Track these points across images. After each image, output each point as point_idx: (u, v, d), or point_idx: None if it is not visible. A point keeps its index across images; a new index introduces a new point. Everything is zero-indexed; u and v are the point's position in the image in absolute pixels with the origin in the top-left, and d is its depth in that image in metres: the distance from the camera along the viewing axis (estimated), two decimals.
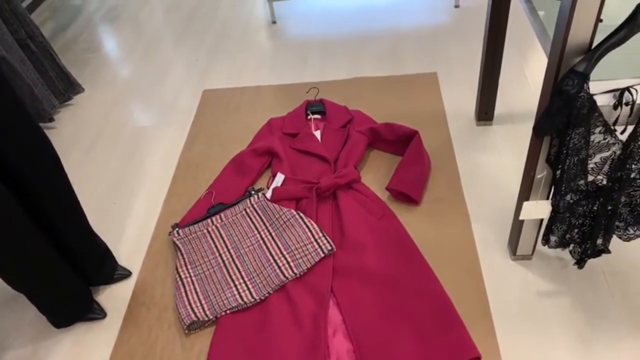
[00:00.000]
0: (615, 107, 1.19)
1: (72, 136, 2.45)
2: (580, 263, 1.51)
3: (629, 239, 1.44)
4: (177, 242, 1.80)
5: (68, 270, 1.55)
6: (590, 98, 1.15)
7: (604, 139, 1.23)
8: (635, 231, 1.43)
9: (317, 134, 2.13)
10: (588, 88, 1.14)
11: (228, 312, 1.60)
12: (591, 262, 1.59)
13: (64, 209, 1.51)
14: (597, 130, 1.22)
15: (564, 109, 1.18)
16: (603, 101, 1.18)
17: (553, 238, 1.49)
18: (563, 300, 1.53)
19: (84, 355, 1.59)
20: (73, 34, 3.27)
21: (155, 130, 2.41)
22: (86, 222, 1.62)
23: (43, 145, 1.41)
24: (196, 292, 1.66)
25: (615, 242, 1.47)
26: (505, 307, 1.54)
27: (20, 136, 1.33)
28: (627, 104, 1.18)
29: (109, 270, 1.75)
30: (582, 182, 1.33)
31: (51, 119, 2.49)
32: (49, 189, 1.44)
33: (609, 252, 1.47)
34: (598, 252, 1.48)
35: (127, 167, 2.24)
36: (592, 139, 1.24)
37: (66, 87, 2.63)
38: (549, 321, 1.49)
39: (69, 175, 1.52)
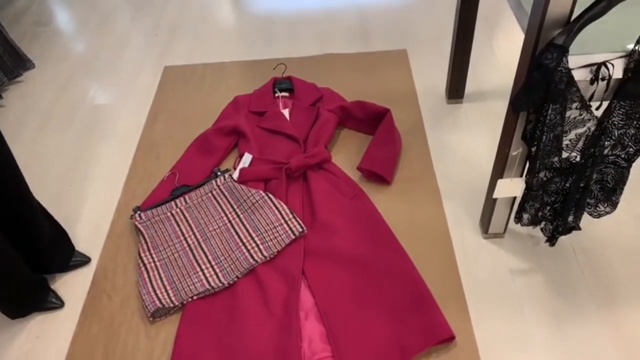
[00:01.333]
0: (592, 82, 1.17)
1: (22, 115, 2.29)
2: (551, 240, 1.51)
3: (599, 216, 1.45)
4: (139, 226, 1.71)
5: (19, 259, 1.45)
6: (569, 72, 1.13)
7: (580, 115, 1.22)
8: (605, 208, 1.44)
9: (286, 112, 2.06)
10: (567, 62, 1.11)
11: (195, 297, 1.53)
12: (562, 240, 1.60)
13: (9, 191, 1.40)
14: (574, 106, 1.20)
15: (542, 84, 1.16)
16: (580, 76, 1.16)
17: (525, 216, 1.49)
18: (535, 277, 1.54)
19: (41, 348, 1.50)
20: (22, 6, 3.05)
21: (113, 109, 2.29)
22: (34, 201, 1.51)
23: None
24: (160, 278, 1.58)
25: (584, 219, 1.48)
26: (478, 285, 1.53)
27: None
28: (603, 79, 1.17)
29: (65, 255, 1.65)
30: (556, 159, 1.31)
31: None
32: None
33: (579, 229, 1.48)
34: (569, 229, 1.49)
35: (83, 147, 2.12)
36: (568, 115, 1.22)
37: (15, 63, 2.45)
38: (521, 298, 1.49)
39: (18, 155, 1.41)
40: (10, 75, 2.43)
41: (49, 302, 1.57)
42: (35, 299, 1.55)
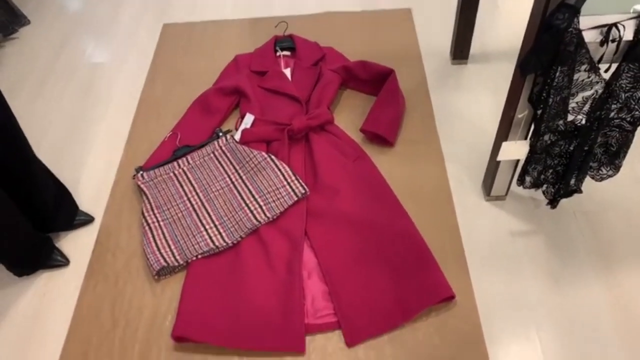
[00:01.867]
0: (602, 43, 1.15)
1: (20, 73, 2.25)
2: (552, 203, 1.53)
3: (601, 179, 1.45)
4: (142, 186, 1.72)
5: (23, 218, 1.46)
6: (579, 34, 1.11)
7: (588, 77, 1.20)
8: (607, 171, 1.44)
9: (287, 72, 2.03)
10: (577, 23, 1.09)
11: (199, 256, 1.55)
12: (563, 202, 1.61)
13: (12, 148, 1.40)
14: (582, 68, 1.18)
15: (552, 45, 1.14)
16: (590, 38, 1.14)
17: (528, 179, 1.49)
18: (535, 239, 1.56)
19: (48, 305, 1.53)
20: None
21: (112, 68, 2.25)
22: (37, 160, 1.51)
23: None
24: (165, 237, 1.60)
25: (586, 182, 1.49)
26: (479, 247, 1.55)
27: None
28: (613, 40, 1.15)
29: (69, 214, 1.66)
30: (561, 122, 1.31)
31: None
32: None
33: (580, 192, 1.49)
34: (570, 192, 1.50)
35: (82, 106, 2.09)
36: (576, 78, 1.21)
37: (9, 19, 2.39)
38: (521, 260, 1.52)
39: (17, 114, 1.39)
40: (5, 32, 2.37)
41: (54, 260, 1.59)
42: (40, 257, 1.57)
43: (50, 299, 1.54)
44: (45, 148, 1.94)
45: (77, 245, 1.65)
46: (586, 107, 1.28)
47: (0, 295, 1.55)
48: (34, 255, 1.56)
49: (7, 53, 2.35)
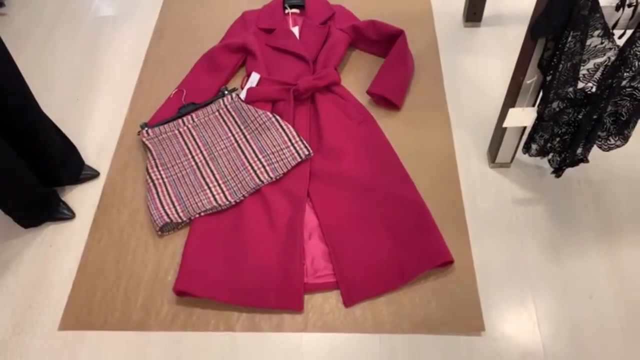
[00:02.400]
0: (617, 8, 1.11)
1: (25, 25, 2.23)
2: (558, 172, 1.51)
3: (609, 149, 1.43)
4: (147, 143, 1.72)
5: (30, 172, 1.47)
6: None
7: (601, 43, 1.17)
8: (616, 141, 1.42)
9: (295, 30, 1.99)
10: None
11: (202, 214, 1.56)
12: (568, 172, 1.60)
13: (18, 103, 1.40)
14: (596, 33, 1.15)
15: (564, 9, 1.10)
16: (605, 1, 1.10)
17: (534, 146, 1.47)
18: (537, 207, 1.55)
19: (54, 256, 1.56)
20: None
21: (118, 21, 2.22)
22: (43, 114, 1.51)
23: None
24: (169, 194, 1.61)
25: (593, 152, 1.46)
26: (480, 213, 1.55)
27: None
28: (630, 5, 1.11)
29: (75, 168, 1.67)
30: (571, 89, 1.28)
31: (1, 4, 2.26)
32: (0, 82, 1.32)
33: (587, 161, 1.47)
34: (577, 161, 1.48)
35: (88, 60, 2.08)
36: (588, 43, 1.17)
37: None
38: (522, 228, 1.52)
39: (22, 67, 1.39)
40: None
41: (60, 213, 1.62)
42: (46, 210, 1.59)
43: (56, 251, 1.57)
44: (52, 102, 1.94)
45: (83, 199, 1.68)
46: (597, 75, 1.24)
47: (8, 246, 1.59)
48: (40, 208, 1.58)
49: (13, 4, 2.33)
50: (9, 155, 1.38)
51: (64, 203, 1.64)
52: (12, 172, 1.42)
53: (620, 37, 1.16)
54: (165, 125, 1.75)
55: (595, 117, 1.33)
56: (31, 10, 2.29)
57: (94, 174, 1.72)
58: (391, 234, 1.49)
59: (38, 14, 2.27)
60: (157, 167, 1.67)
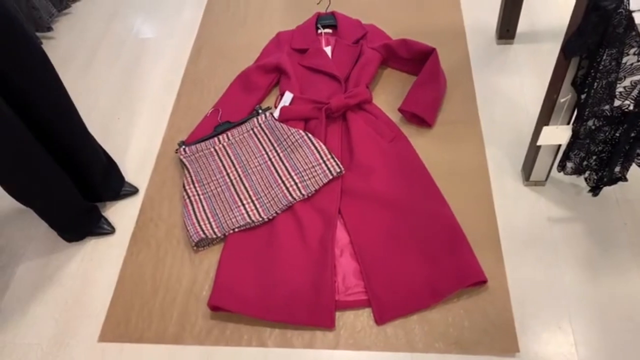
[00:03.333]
0: None
1: (71, 47, 2.35)
2: (595, 190, 1.48)
3: None
4: (184, 160, 1.78)
5: (75, 188, 1.54)
6: (629, 15, 1.06)
7: (638, 61, 1.15)
8: None
9: (328, 50, 2.03)
10: (628, 3, 1.04)
11: (236, 230, 1.60)
12: (605, 190, 1.56)
13: (65, 122, 1.47)
14: (632, 51, 1.13)
15: (599, 27, 1.09)
16: None
17: (570, 164, 1.45)
18: (574, 226, 1.52)
19: (95, 268, 1.62)
20: None
21: (158, 43, 2.31)
22: (88, 133, 1.59)
23: (39, 58, 1.33)
24: (204, 210, 1.65)
25: (632, 170, 1.43)
26: (515, 232, 1.53)
27: (15, 50, 1.25)
28: None
29: (116, 184, 1.74)
30: (607, 107, 1.26)
31: (49, 29, 2.38)
32: (48, 101, 1.39)
33: (625, 180, 1.44)
34: (615, 179, 1.45)
35: (129, 80, 2.17)
36: (624, 61, 1.15)
37: None
38: (558, 247, 1.49)
39: (67, 87, 1.46)
40: (59, 7, 2.47)
41: (101, 228, 1.68)
42: (88, 225, 1.66)
43: (97, 264, 1.63)
44: (94, 121, 2.03)
45: (123, 214, 1.74)
46: (635, 92, 1.22)
47: (52, 258, 1.66)
48: (83, 223, 1.65)
49: (61, 27, 2.45)
50: (55, 171, 1.45)
51: (105, 218, 1.71)
52: (58, 187, 1.49)
53: None
54: (202, 143, 1.81)
55: (633, 135, 1.30)
56: (76, 34, 2.41)
57: (134, 191, 1.78)
58: (423, 252, 1.48)
59: (83, 37, 2.39)
60: (193, 183, 1.72)
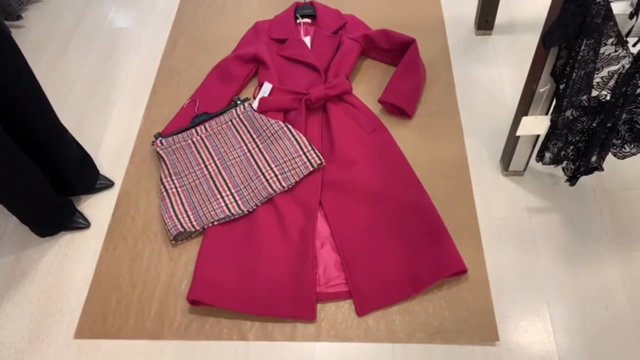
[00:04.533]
0: (631, 16, 1.11)
1: (42, 37, 2.28)
2: (572, 180, 1.50)
3: (624, 157, 1.42)
4: (161, 152, 1.74)
5: (47, 182, 1.50)
6: (607, 5, 1.07)
7: (615, 51, 1.16)
8: (631, 149, 1.40)
9: (307, 40, 2.00)
10: None
11: (215, 223, 1.57)
12: (582, 180, 1.59)
13: (37, 115, 1.42)
14: (609, 41, 1.14)
15: (577, 17, 1.10)
16: (618, 9, 1.10)
17: (548, 155, 1.47)
18: (551, 216, 1.54)
19: (69, 265, 1.58)
20: None
21: (133, 33, 2.25)
22: (61, 125, 1.54)
23: (9, 48, 1.28)
24: (182, 203, 1.62)
25: (608, 160, 1.45)
26: (494, 222, 1.54)
27: None
28: None
29: (90, 178, 1.70)
30: (585, 97, 1.27)
31: (19, 17, 2.30)
32: (19, 93, 1.34)
33: (602, 169, 1.46)
34: (591, 169, 1.47)
35: (103, 71, 2.11)
36: (602, 51, 1.17)
37: None
38: (536, 236, 1.51)
39: (39, 78, 1.41)
40: None
41: (75, 222, 1.64)
42: (62, 219, 1.62)
43: (72, 259, 1.59)
44: (67, 112, 1.97)
45: (98, 208, 1.70)
46: (611, 83, 1.24)
47: (25, 254, 1.61)
48: (57, 217, 1.60)
49: (31, 16, 2.37)
50: (26, 165, 1.40)
51: (80, 212, 1.66)
52: (29, 182, 1.44)
53: (634, 45, 1.15)
54: (179, 135, 1.77)
55: (609, 125, 1.32)
56: (48, 23, 2.33)
57: (109, 184, 1.74)
58: (403, 243, 1.49)
59: (54, 26, 2.31)
60: (170, 176, 1.69)
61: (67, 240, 1.63)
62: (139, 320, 1.44)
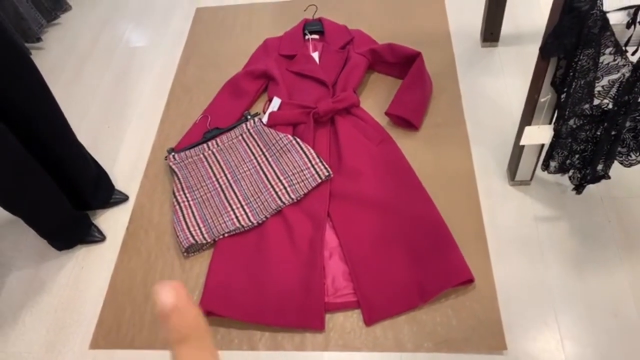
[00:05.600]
0: (628, 25, 1.12)
1: (61, 57, 2.36)
2: (579, 189, 1.50)
3: (630, 165, 1.42)
4: (174, 167, 1.79)
5: (64, 197, 1.55)
6: (603, 16, 1.08)
7: (614, 60, 1.18)
8: (637, 157, 1.40)
9: (315, 55, 2.05)
10: (601, 4, 1.07)
11: (226, 235, 1.61)
12: (589, 188, 1.58)
13: (55, 132, 1.48)
14: (608, 51, 1.16)
15: (574, 28, 1.12)
16: (616, 19, 1.11)
17: (553, 164, 1.47)
18: (559, 225, 1.54)
19: (86, 277, 1.63)
20: None
21: (147, 51, 2.32)
22: (78, 143, 1.60)
23: (28, 68, 1.35)
24: (194, 216, 1.66)
25: (614, 168, 1.45)
26: (501, 231, 1.55)
27: (1, 59, 1.27)
28: None
29: (106, 193, 1.75)
30: (587, 106, 1.28)
31: (38, 39, 2.39)
32: (37, 112, 1.41)
33: (608, 177, 1.46)
34: (598, 177, 1.47)
35: (118, 89, 2.18)
36: (601, 61, 1.18)
37: (53, 5, 2.50)
38: (544, 245, 1.51)
39: (58, 97, 1.48)
40: (48, 18, 2.48)
41: (91, 235, 1.69)
42: (79, 233, 1.67)
43: (88, 272, 1.64)
44: (84, 130, 2.04)
45: (113, 222, 1.75)
46: (613, 91, 1.25)
47: (43, 267, 1.66)
48: (73, 231, 1.66)
49: (50, 38, 2.47)
50: (44, 180, 1.46)
51: (95, 226, 1.71)
52: (47, 197, 1.49)
53: (633, 54, 1.16)
54: (191, 150, 1.82)
55: (614, 133, 1.33)
56: (66, 44, 2.42)
57: (124, 198, 1.79)
58: (411, 252, 1.50)
59: (72, 47, 2.40)
60: (183, 190, 1.73)
61: (83, 253, 1.68)
62: (152, 330, 1.48)
